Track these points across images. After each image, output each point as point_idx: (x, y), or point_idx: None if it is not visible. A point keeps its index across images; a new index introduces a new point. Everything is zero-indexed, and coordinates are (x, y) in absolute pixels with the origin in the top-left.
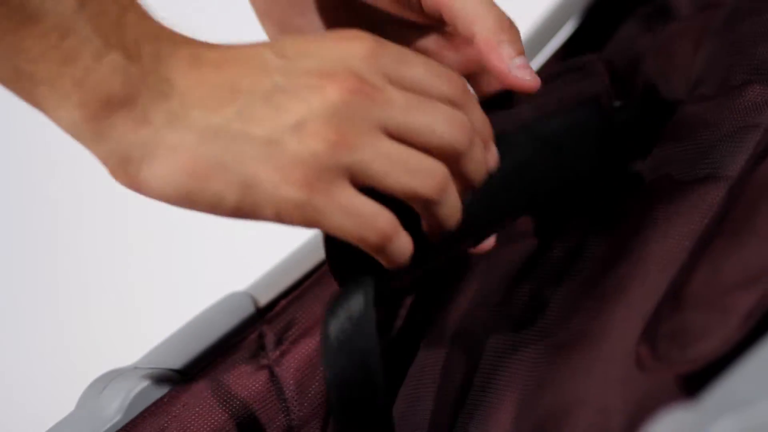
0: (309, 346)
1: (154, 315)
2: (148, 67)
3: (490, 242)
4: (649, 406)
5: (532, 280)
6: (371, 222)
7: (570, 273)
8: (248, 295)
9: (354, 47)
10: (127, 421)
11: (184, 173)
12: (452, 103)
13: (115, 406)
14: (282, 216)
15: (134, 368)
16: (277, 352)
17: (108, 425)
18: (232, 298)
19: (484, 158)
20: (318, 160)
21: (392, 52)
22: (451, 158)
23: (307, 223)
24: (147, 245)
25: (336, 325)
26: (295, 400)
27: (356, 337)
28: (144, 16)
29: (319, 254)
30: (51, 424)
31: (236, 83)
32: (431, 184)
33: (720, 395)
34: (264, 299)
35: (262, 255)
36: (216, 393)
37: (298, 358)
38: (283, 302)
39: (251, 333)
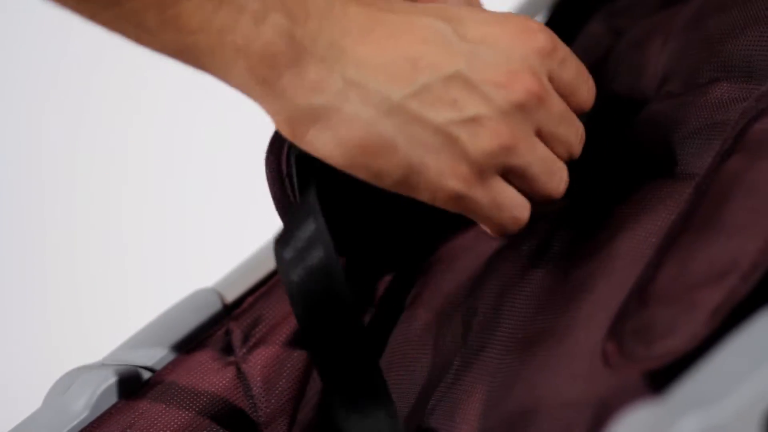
0: (276, 343)
1: (121, 311)
2: (316, 30)
3: None
4: (615, 403)
5: (499, 275)
6: (516, 213)
7: (536, 269)
8: (215, 291)
9: (535, 42)
10: (94, 418)
11: (355, 146)
12: (582, 109)
13: (82, 403)
14: (436, 201)
15: (101, 365)
16: (244, 349)
17: (75, 422)
18: (199, 295)
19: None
20: (486, 158)
21: (562, 52)
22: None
23: (459, 210)
24: (113, 242)
25: (290, 248)
26: (262, 397)
27: (313, 252)
28: None
29: None
30: (17, 421)
31: (417, 59)
32: (562, 187)
33: (686, 392)
34: (231, 296)
35: (229, 252)
36: (183, 390)
37: (266, 355)
38: (250, 299)
39: (218, 330)
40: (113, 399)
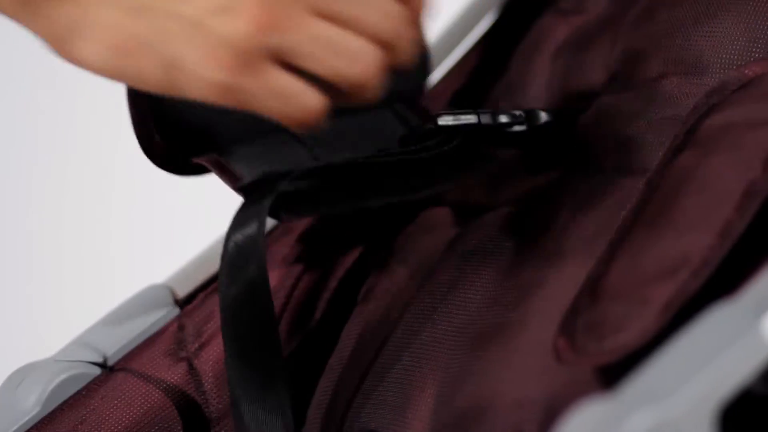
0: None
1: (73, 307)
2: None
3: None
4: (567, 398)
5: (451, 271)
6: (300, 101)
7: (488, 264)
8: (167, 287)
9: None
10: (45, 414)
11: (110, 49)
12: None
13: (33, 399)
14: (206, 97)
15: (53, 361)
16: (196, 345)
17: (26, 418)
18: (151, 291)
19: (412, 47)
20: (245, 40)
21: None
22: (378, 45)
23: (233, 104)
24: (65, 236)
25: (231, 246)
26: (214, 393)
27: (248, 261)
28: None
29: None
30: None
31: None
32: (358, 67)
33: (637, 387)
34: (182, 292)
35: (181, 247)
36: (135, 385)
37: (217, 350)
38: (202, 295)
39: (170, 325)
40: (65, 395)
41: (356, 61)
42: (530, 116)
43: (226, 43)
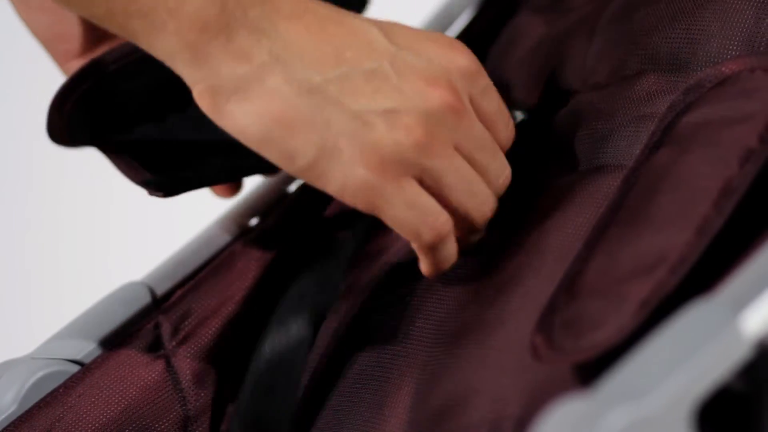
0: (205, 336)
1: (50, 305)
2: (248, 1)
3: None
4: (544, 396)
5: None
6: (431, 220)
7: (465, 261)
8: (144, 285)
9: (459, 61)
10: (22, 412)
11: (272, 119)
12: (503, 148)
13: (10, 397)
14: (345, 192)
15: (30, 359)
16: (174, 343)
17: (3, 416)
18: (128, 288)
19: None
20: (400, 151)
21: (484, 79)
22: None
23: (369, 207)
24: (43, 234)
25: (270, 351)
26: (192, 390)
27: (283, 375)
28: None
29: (215, 245)
30: None
31: (342, 50)
32: (483, 212)
33: (614, 385)
34: (160, 289)
35: (159, 245)
36: (112, 383)
37: (195, 348)
38: (180, 292)
39: (147, 323)
40: (41, 393)
41: (484, 204)
42: None
43: (383, 146)
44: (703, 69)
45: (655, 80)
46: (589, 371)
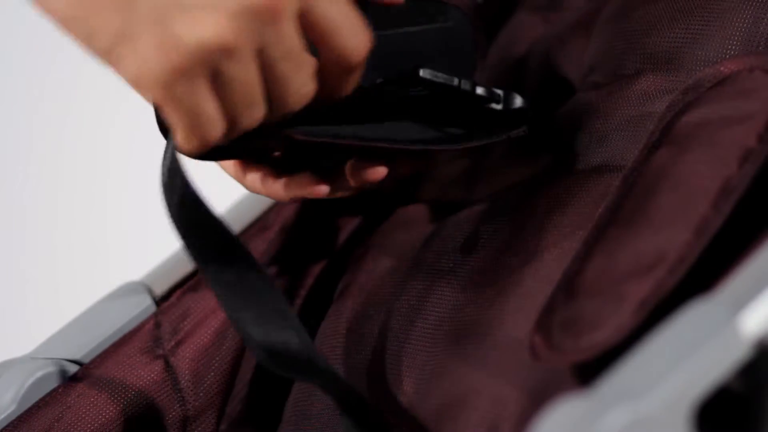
0: (204, 336)
1: (50, 305)
2: None
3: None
4: (543, 395)
5: (426, 268)
6: (202, 130)
7: (464, 262)
8: (144, 284)
9: None
10: (21, 411)
11: None
12: (340, 61)
13: (10, 397)
14: (138, 83)
15: (29, 358)
16: (173, 342)
17: (2, 416)
18: (128, 288)
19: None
20: (200, 50)
21: None
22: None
23: (158, 102)
24: (42, 234)
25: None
26: (191, 390)
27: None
28: None
29: None
30: None
31: None
32: (255, 115)
33: (613, 384)
34: (159, 289)
35: (158, 245)
36: (111, 383)
37: (194, 348)
38: (178, 292)
39: (146, 323)
40: (41, 392)
41: (255, 112)
42: (507, 97)
43: (185, 43)
44: (701, 69)
45: (654, 80)
46: (588, 371)
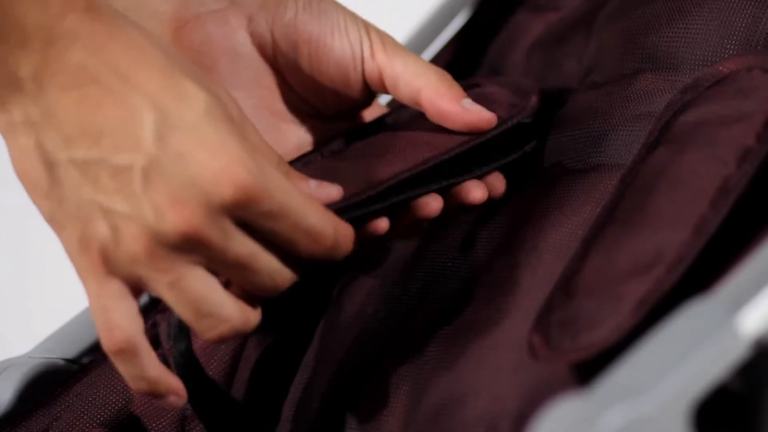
0: None
1: (48, 304)
2: (25, 58)
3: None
4: (541, 395)
5: (425, 268)
6: (112, 333)
7: (463, 261)
8: None
9: (226, 188)
10: (19, 411)
11: (18, 169)
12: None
13: (8, 396)
14: (72, 261)
15: (27, 358)
16: (171, 342)
17: (0, 415)
18: None
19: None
20: (115, 256)
21: (268, 203)
22: None
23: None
24: (41, 234)
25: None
26: None
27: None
28: None
29: None
30: None
31: (103, 135)
32: (220, 331)
33: (611, 384)
34: None
35: None
36: (109, 382)
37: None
38: None
39: (145, 322)
40: (39, 392)
41: (219, 325)
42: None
43: (100, 247)
44: (700, 68)
45: (653, 79)
46: (587, 370)
